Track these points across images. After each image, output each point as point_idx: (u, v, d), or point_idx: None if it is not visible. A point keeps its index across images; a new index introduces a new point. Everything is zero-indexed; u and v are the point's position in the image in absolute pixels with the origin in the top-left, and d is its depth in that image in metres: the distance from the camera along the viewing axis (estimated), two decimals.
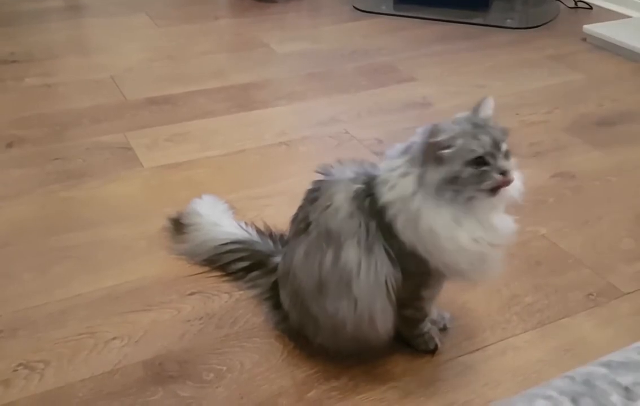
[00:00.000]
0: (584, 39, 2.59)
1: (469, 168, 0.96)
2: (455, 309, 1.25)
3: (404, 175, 1.01)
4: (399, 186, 1.01)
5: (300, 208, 1.12)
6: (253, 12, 2.90)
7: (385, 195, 1.01)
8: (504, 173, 0.97)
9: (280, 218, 1.28)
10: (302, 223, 1.09)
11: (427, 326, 1.15)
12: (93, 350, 1.16)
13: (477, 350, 1.17)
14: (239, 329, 1.20)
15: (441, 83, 2.24)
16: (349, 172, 1.09)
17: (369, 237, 1.03)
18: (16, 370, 1.11)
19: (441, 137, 0.97)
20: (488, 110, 1.01)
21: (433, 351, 1.15)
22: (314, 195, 1.09)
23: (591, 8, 2.98)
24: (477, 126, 0.98)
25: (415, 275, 1.05)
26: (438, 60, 2.42)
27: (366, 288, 1.03)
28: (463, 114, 1.02)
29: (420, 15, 2.83)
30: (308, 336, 1.13)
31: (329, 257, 1.04)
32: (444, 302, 1.21)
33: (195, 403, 1.06)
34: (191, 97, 2.08)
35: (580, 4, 2.99)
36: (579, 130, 1.93)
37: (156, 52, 2.45)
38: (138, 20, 2.75)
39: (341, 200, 1.05)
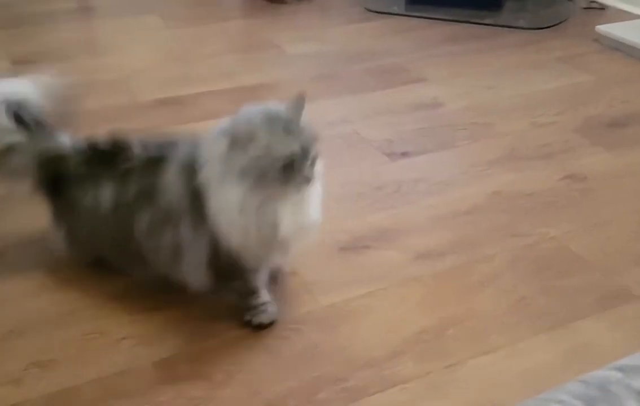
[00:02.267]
0: (596, 40, 2.57)
1: (275, 170, 1.03)
2: (463, 311, 1.26)
3: (217, 155, 1.07)
4: (210, 165, 1.08)
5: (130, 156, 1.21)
6: (264, 13, 2.91)
7: (201, 173, 1.09)
8: (307, 180, 1.05)
9: None
10: (146, 187, 1.17)
11: (261, 299, 1.20)
12: (103, 349, 1.17)
13: (486, 353, 1.17)
14: (247, 329, 1.21)
15: (451, 84, 2.24)
16: (185, 147, 1.15)
17: (200, 215, 1.10)
18: (27, 369, 1.12)
19: (244, 131, 1.03)
20: (302, 110, 1.07)
21: (257, 327, 1.20)
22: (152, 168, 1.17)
23: (604, 8, 2.96)
24: (288, 129, 1.04)
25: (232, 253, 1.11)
26: (448, 61, 2.42)
27: (190, 257, 1.14)
28: (272, 107, 1.08)
29: (432, 16, 2.82)
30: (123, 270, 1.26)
31: (170, 232, 1.14)
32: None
33: (204, 404, 1.07)
34: (201, 98, 2.09)
35: (593, 5, 2.97)
36: (589, 132, 1.92)
37: (167, 53, 2.46)
38: (149, 21, 2.77)
39: (173, 174, 1.14)
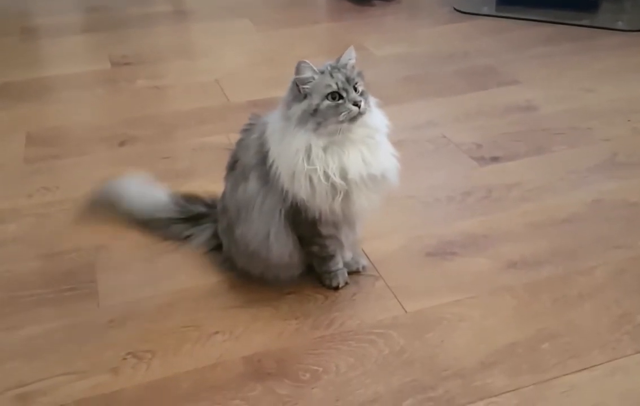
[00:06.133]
0: None
1: (326, 101, 1.12)
2: (559, 324, 1.20)
3: (277, 114, 1.19)
4: (270, 122, 1.20)
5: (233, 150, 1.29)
6: (351, 15, 2.92)
7: (265, 134, 1.20)
8: (356, 104, 1.12)
9: (377, 222, 1.27)
10: (231, 161, 1.27)
11: (336, 265, 1.30)
12: (197, 342, 1.20)
13: (584, 369, 1.12)
14: (334, 331, 1.21)
15: (547, 86, 2.15)
16: (269, 116, 1.23)
17: (265, 169, 1.18)
18: (125, 359, 1.17)
19: (302, 74, 1.14)
20: (348, 57, 1.17)
21: (335, 288, 1.30)
22: (241, 138, 1.27)
23: None
24: (335, 68, 1.15)
25: (301, 209, 1.17)
26: (543, 63, 2.33)
27: (260, 214, 1.20)
28: (329, 61, 1.18)
29: (524, 16, 2.73)
30: (235, 261, 1.31)
31: (242, 187, 1.22)
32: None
33: (291, 402, 1.08)
34: None
35: None
36: None
37: (258, 55, 2.51)
38: (241, 25, 2.84)
39: (252, 138, 1.23)
